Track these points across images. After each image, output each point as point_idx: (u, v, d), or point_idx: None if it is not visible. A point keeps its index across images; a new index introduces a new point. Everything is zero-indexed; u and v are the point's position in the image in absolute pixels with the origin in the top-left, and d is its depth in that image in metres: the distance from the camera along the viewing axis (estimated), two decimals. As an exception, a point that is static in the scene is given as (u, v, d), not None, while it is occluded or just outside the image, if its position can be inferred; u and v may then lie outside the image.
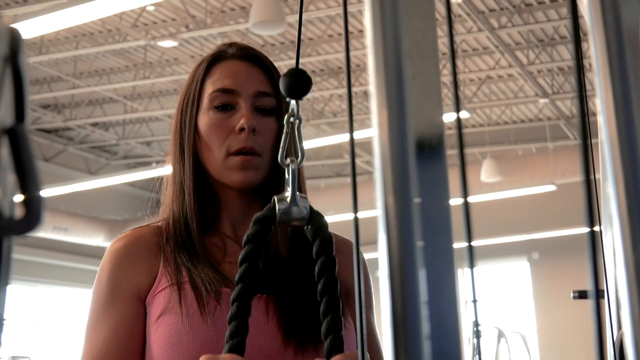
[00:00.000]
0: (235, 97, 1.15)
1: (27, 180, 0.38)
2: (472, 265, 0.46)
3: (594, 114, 0.54)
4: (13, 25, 0.40)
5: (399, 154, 0.45)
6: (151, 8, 7.00)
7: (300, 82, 0.86)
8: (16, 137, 0.39)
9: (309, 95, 8.82)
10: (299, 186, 0.92)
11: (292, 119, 0.91)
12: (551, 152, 9.34)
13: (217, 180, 1.16)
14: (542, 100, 8.77)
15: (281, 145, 0.90)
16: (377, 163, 0.45)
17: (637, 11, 0.48)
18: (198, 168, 1.17)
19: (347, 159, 10.57)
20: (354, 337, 1.08)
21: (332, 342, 0.87)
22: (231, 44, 1.21)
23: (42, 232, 9.18)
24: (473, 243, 0.46)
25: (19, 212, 0.38)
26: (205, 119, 1.16)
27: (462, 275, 5.94)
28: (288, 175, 0.90)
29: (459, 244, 0.45)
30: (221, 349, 0.87)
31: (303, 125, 0.93)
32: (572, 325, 10.04)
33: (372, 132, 0.46)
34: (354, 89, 8.62)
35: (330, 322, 0.88)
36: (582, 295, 1.91)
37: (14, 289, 10.21)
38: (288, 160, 0.90)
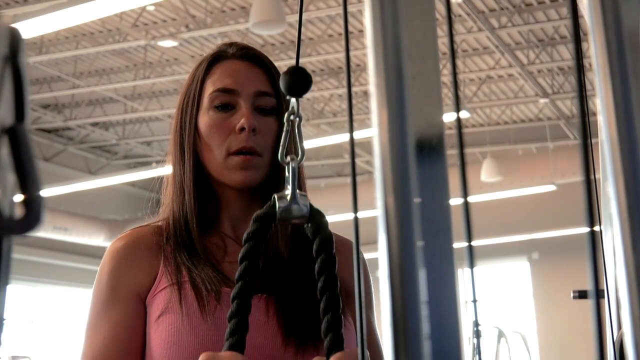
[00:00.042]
0: (235, 97, 1.15)
1: (27, 180, 0.38)
2: (472, 265, 0.46)
3: (594, 114, 0.54)
4: (13, 25, 0.40)
5: (399, 154, 0.45)
6: (151, 8, 7.00)
7: (300, 80, 0.86)
8: (16, 136, 0.39)
9: (309, 95, 8.83)
10: (299, 185, 0.92)
11: (292, 117, 0.91)
12: (551, 152, 9.34)
13: (217, 180, 1.16)
14: (542, 100, 8.77)
15: (281, 143, 0.90)
16: (377, 163, 0.45)
17: (637, 11, 0.47)
18: (198, 168, 1.17)
19: (347, 158, 10.57)
20: (354, 336, 1.08)
21: (332, 339, 0.87)
22: (231, 44, 1.21)
23: (42, 232, 9.18)
24: (473, 243, 0.46)
25: (19, 212, 0.38)
26: (205, 119, 1.16)
27: (462, 275, 5.94)
28: (288, 173, 0.90)
29: (459, 244, 0.45)
30: (221, 348, 0.87)
31: (303, 125, 0.93)
32: (572, 325, 10.04)
33: (372, 132, 0.46)
34: (354, 89, 8.62)
35: (330, 319, 0.88)
36: (582, 295, 1.91)
37: (14, 289, 10.21)
38: (288, 158, 0.90)
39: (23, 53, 0.40)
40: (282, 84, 0.87)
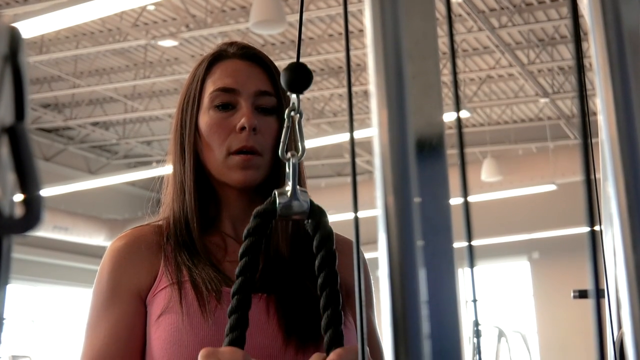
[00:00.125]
0: (235, 96, 1.15)
1: (27, 179, 0.38)
2: (472, 265, 0.46)
3: (594, 114, 0.54)
4: (13, 24, 0.40)
5: (399, 154, 0.45)
6: (151, 7, 7.00)
7: (301, 76, 0.87)
8: (16, 136, 0.39)
9: (310, 95, 8.83)
10: (300, 181, 0.92)
11: (292, 113, 0.91)
12: (551, 151, 9.34)
13: (217, 180, 1.16)
14: (543, 100, 8.77)
15: (282, 139, 0.90)
16: (377, 162, 0.45)
17: (637, 10, 0.47)
18: (198, 167, 1.17)
19: (347, 158, 10.57)
20: (355, 335, 1.08)
21: (332, 335, 0.87)
22: (232, 43, 1.21)
23: (43, 232, 9.18)
24: (473, 242, 0.46)
25: (19, 211, 0.38)
26: (205, 118, 1.16)
27: (463, 274, 5.94)
28: (288, 169, 0.90)
29: (459, 244, 0.45)
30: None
31: (303, 124, 0.93)
32: (572, 324, 10.04)
33: (372, 131, 0.46)
34: (354, 89, 8.62)
35: (330, 315, 0.88)
36: (582, 294, 1.91)
37: (14, 288, 10.21)
38: (288, 154, 0.90)
39: (23, 52, 0.40)
40: (282, 80, 0.87)
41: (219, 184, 1.17)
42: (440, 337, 0.43)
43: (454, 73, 0.49)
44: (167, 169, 1.22)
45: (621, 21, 0.47)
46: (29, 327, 10.62)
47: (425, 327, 0.43)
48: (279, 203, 0.89)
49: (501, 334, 7.98)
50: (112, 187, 10.53)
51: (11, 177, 0.38)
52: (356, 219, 0.51)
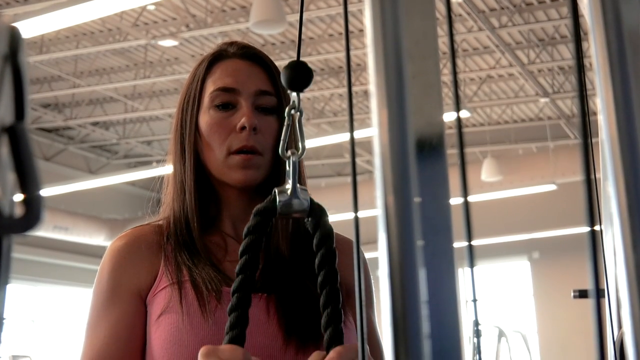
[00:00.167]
0: (236, 96, 1.15)
1: (27, 179, 0.38)
2: (472, 265, 0.46)
3: (595, 113, 0.54)
4: (13, 24, 0.40)
5: (399, 153, 0.45)
6: (152, 7, 7.00)
7: (301, 74, 0.87)
8: (16, 135, 0.39)
9: (310, 95, 8.83)
10: (300, 180, 0.92)
11: (293, 112, 0.91)
12: (552, 151, 9.33)
13: (218, 179, 1.16)
14: (543, 100, 8.77)
15: (282, 138, 0.90)
16: (377, 162, 0.45)
17: (637, 10, 0.47)
18: (199, 167, 1.17)
19: (347, 158, 10.57)
20: (355, 335, 1.08)
21: (332, 333, 0.87)
22: (232, 43, 1.21)
23: (43, 232, 9.18)
24: (473, 242, 0.46)
25: (18, 211, 0.38)
26: (206, 118, 1.16)
27: (463, 274, 5.94)
28: (289, 167, 0.90)
29: (459, 243, 0.45)
30: (222, 348, 0.87)
31: (304, 124, 0.93)
32: (572, 324, 10.04)
33: (373, 131, 0.46)
34: (354, 88, 8.62)
35: (330, 314, 0.87)
36: (582, 294, 1.91)
37: (14, 288, 10.21)
38: (289, 152, 0.90)
39: (23, 52, 0.40)
40: (283, 79, 0.87)
41: (219, 183, 1.17)
42: (440, 337, 0.43)
43: (454, 73, 0.49)
44: (167, 169, 1.22)
45: (621, 21, 0.47)
46: (29, 327, 10.63)
47: (425, 327, 0.43)
48: (279, 201, 0.89)
49: (501, 334, 7.98)
50: (112, 187, 10.53)
51: (11, 177, 0.38)
52: (356, 218, 0.51)
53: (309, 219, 0.91)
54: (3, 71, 0.39)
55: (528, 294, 11.43)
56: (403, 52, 0.46)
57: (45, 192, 0.39)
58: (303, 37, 7.51)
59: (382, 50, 0.46)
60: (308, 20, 7.32)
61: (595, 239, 0.41)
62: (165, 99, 9.24)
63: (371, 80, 0.46)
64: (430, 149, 0.45)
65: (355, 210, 0.52)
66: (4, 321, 0.40)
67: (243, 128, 1.12)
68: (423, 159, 0.45)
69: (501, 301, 11.43)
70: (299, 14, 0.94)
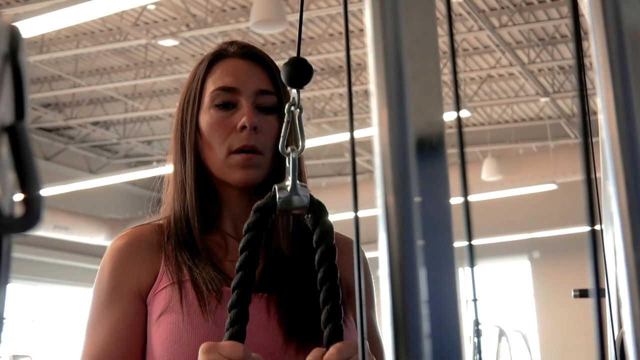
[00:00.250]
0: (236, 96, 1.15)
1: (27, 179, 0.38)
2: (472, 264, 0.46)
3: (595, 113, 0.54)
4: (13, 24, 0.40)
5: (400, 153, 0.45)
6: (152, 7, 7.00)
7: (301, 71, 0.87)
8: (16, 135, 0.39)
9: (310, 94, 8.83)
10: (300, 177, 0.92)
11: (292, 108, 0.91)
12: (552, 150, 9.33)
13: (218, 179, 1.16)
14: (543, 99, 8.77)
15: (282, 134, 0.90)
16: (377, 162, 0.45)
17: (637, 10, 0.47)
18: (199, 166, 1.17)
19: (347, 157, 10.57)
20: (355, 334, 1.08)
21: (332, 330, 0.87)
22: (232, 42, 1.21)
23: (43, 231, 9.18)
24: (473, 242, 0.46)
25: (19, 211, 0.38)
26: (206, 118, 1.16)
27: (463, 274, 5.94)
28: (288, 164, 0.90)
29: (460, 243, 0.45)
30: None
31: (304, 124, 0.93)
32: (573, 324, 10.04)
33: (373, 131, 0.46)
34: (354, 88, 8.62)
35: (330, 310, 0.87)
36: (582, 294, 1.91)
37: (14, 288, 10.21)
38: (288, 149, 0.90)
39: (23, 52, 0.40)
40: (283, 75, 0.87)
41: (220, 183, 1.17)
42: (441, 336, 0.43)
43: (454, 72, 0.49)
44: (167, 169, 1.22)
45: (621, 20, 0.47)
46: (29, 326, 10.63)
47: (426, 326, 0.43)
48: (279, 197, 0.89)
49: (502, 334, 7.97)
50: (113, 187, 10.53)
51: (11, 177, 0.38)
52: (356, 218, 0.51)
53: (309, 215, 0.91)
54: (3, 71, 0.39)
55: (528, 294, 11.43)
56: (403, 51, 0.46)
57: (45, 191, 0.39)
58: (303, 36, 7.51)
59: (382, 49, 0.46)
60: (308, 20, 7.32)
61: (595, 239, 0.41)
62: (165, 98, 9.24)
63: (371, 80, 0.46)
64: (430, 148, 0.45)
65: (356, 209, 0.52)
66: (4, 321, 0.40)
67: (243, 127, 1.12)
68: (423, 159, 0.45)
69: (501, 301, 11.43)
70: (299, 13, 0.94)
